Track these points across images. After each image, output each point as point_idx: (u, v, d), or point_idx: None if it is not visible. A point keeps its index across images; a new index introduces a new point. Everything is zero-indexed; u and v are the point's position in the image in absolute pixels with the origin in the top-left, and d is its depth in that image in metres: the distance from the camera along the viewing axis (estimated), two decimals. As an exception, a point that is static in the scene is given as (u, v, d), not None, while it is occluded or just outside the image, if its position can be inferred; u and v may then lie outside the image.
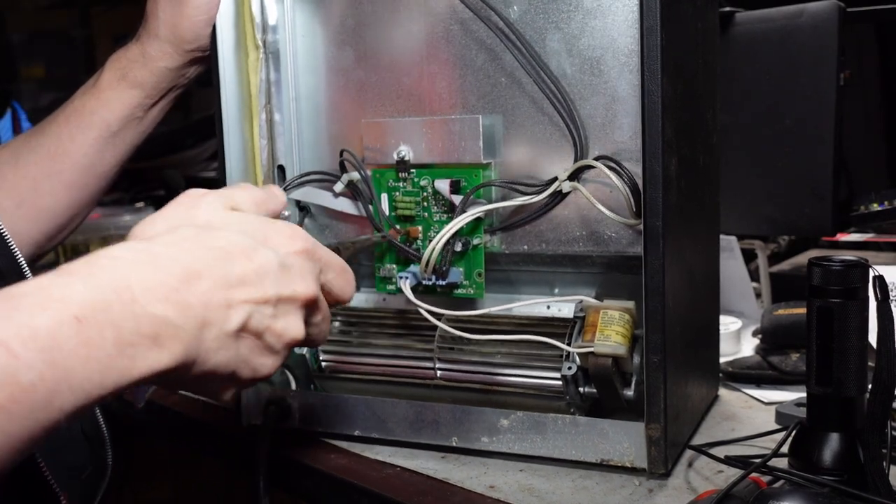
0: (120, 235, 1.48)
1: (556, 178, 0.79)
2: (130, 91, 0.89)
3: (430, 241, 0.82)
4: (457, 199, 0.82)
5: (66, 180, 0.91)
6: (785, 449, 0.72)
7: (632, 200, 0.76)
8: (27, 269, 0.77)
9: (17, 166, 0.90)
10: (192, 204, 0.59)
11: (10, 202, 0.88)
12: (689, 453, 0.80)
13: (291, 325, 0.57)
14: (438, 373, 0.86)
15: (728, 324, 1.10)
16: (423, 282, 0.83)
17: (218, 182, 0.88)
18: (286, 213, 0.90)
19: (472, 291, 0.84)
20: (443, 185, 0.82)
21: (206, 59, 0.89)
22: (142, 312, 0.48)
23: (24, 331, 0.43)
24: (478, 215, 0.81)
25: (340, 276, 0.64)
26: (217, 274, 0.53)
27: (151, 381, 0.50)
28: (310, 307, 0.59)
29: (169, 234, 0.54)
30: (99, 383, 0.46)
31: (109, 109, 0.90)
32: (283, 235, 0.59)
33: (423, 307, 0.83)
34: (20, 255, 0.77)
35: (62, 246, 1.47)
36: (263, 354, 0.56)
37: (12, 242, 0.76)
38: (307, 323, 0.60)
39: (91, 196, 0.94)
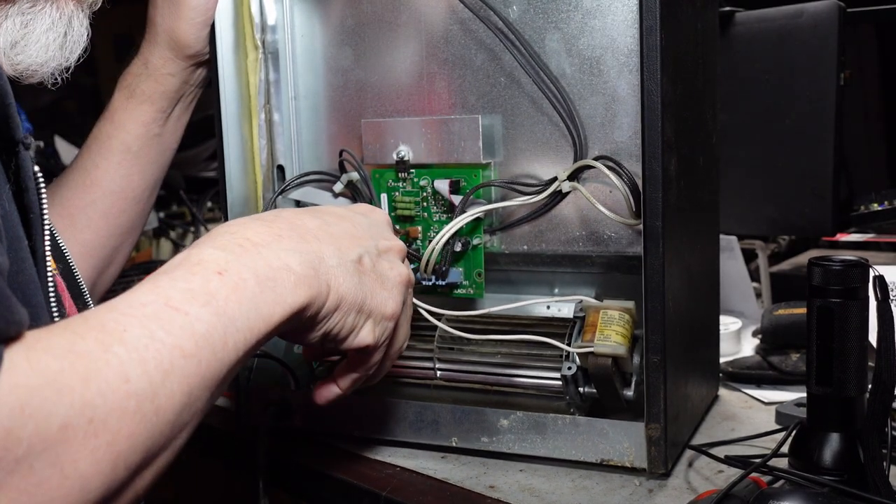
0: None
1: (555, 178, 0.79)
2: (141, 107, 0.89)
3: (430, 241, 0.82)
4: (456, 199, 0.82)
5: (100, 210, 0.90)
6: (785, 449, 0.72)
7: (631, 200, 0.76)
8: (90, 301, 0.76)
9: (53, 205, 0.89)
10: None
11: None
12: (689, 453, 0.80)
13: (397, 266, 0.67)
14: (438, 373, 0.86)
15: (728, 324, 1.10)
16: (423, 282, 0.83)
17: (217, 182, 0.88)
18: (286, 214, 0.90)
19: (472, 291, 0.84)
20: (442, 186, 0.82)
21: (209, 63, 0.88)
22: (267, 252, 0.57)
23: (185, 294, 0.51)
24: (477, 215, 0.81)
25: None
26: (319, 227, 0.63)
27: (305, 320, 0.59)
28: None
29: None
30: (257, 317, 0.54)
31: (125, 130, 0.89)
32: (363, 207, 0.72)
33: (423, 307, 0.83)
34: (88, 294, 0.76)
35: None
36: (384, 289, 0.65)
37: (81, 279, 0.75)
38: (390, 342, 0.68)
39: (130, 222, 0.93)
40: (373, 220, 0.69)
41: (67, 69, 0.70)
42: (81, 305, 0.72)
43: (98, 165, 0.90)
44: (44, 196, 0.60)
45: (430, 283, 0.83)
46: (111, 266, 0.94)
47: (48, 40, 0.67)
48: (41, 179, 0.60)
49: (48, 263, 0.60)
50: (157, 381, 0.47)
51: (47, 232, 0.61)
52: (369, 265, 0.64)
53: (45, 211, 0.60)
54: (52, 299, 0.61)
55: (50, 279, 0.61)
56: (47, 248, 0.60)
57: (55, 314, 0.61)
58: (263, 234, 0.58)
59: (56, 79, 0.70)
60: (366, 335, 0.64)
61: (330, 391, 0.71)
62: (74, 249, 0.87)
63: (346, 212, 0.68)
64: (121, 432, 0.45)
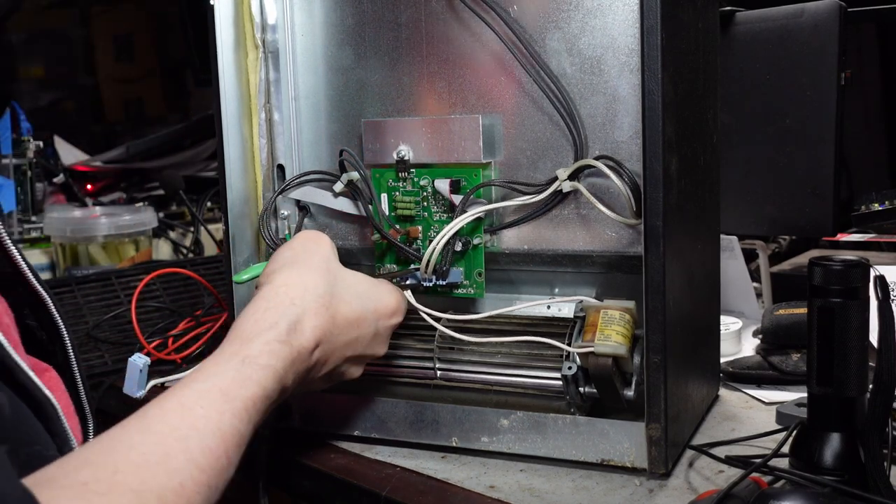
0: (119, 235, 1.47)
1: (556, 178, 0.79)
2: None
3: (431, 241, 0.82)
4: (457, 198, 0.82)
5: None
6: (786, 449, 0.72)
7: (632, 200, 0.76)
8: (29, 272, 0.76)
9: None
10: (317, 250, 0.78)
11: None
12: (689, 453, 0.80)
13: (355, 373, 0.79)
14: (438, 373, 0.85)
15: (729, 324, 1.10)
16: (424, 282, 0.83)
17: (217, 181, 0.88)
18: (286, 214, 0.90)
19: (472, 291, 0.84)
20: (443, 185, 0.82)
21: None
22: (274, 388, 0.66)
23: (233, 434, 0.60)
24: (478, 215, 0.81)
25: None
26: (331, 340, 0.73)
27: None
28: None
29: (315, 302, 0.72)
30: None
31: None
32: (388, 308, 0.79)
33: (423, 308, 0.82)
34: (21, 261, 0.76)
35: (60, 246, 1.47)
36: (324, 382, 0.77)
37: (12, 248, 0.75)
38: None
39: None
40: (380, 328, 0.78)
41: None
42: None
43: None
44: None
45: (431, 283, 0.83)
46: None
47: None
48: None
49: None
50: None
51: None
52: (337, 372, 0.76)
53: None
54: None
55: None
56: None
57: None
58: (290, 374, 0.69)
59: None
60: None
61: None
62: None
63: (364, 319, 0.76)
64: None
